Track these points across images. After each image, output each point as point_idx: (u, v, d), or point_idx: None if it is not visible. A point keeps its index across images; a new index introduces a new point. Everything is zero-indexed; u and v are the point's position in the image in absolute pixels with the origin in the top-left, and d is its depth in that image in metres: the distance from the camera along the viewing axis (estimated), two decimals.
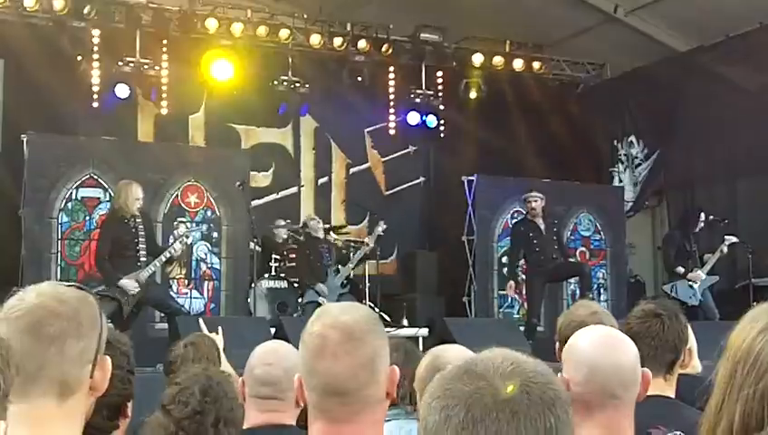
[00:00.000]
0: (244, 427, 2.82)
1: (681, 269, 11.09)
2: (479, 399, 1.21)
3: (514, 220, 11.20)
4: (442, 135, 13.83)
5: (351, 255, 11.13)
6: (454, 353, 2.83)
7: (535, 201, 10.46)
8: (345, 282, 10.76)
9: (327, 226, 11.81)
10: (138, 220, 8.76)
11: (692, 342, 3.30)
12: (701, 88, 12.60)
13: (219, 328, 4.78)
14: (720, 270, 11.84)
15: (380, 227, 10.88)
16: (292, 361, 2.71)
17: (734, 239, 11.23)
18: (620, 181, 13.89)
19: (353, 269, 11.00)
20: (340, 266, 10.85)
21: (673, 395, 3.02)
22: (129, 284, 8.50)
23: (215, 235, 10.98)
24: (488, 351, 1.32)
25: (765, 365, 1.56)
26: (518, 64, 13.72)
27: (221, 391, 2.81)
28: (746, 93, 12.21)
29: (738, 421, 1.54)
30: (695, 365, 3.81)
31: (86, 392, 1.72)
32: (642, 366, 2.94)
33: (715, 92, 12.49)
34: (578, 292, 11.52)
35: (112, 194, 10.01)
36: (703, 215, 11.39)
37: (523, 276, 11.21)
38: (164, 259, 8.94)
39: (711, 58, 12.77)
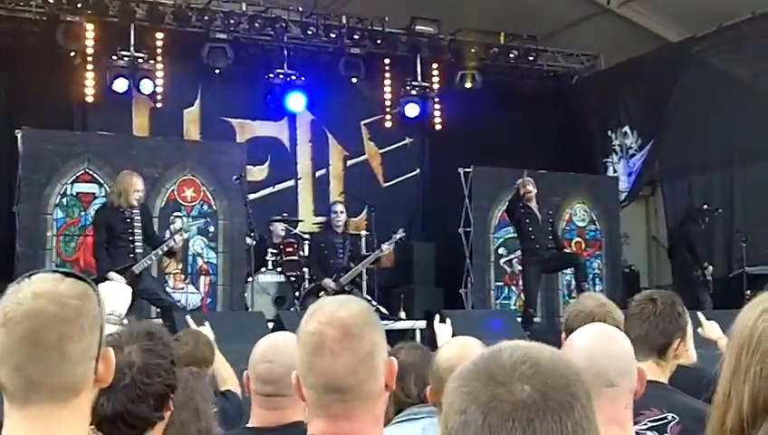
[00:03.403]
0: (249, 424, 2.81)
1: None
2: (497, 406, 1.21)
3: (509, 203, 10.99)
4: (438, 127, 13.84)
5: (361, 244, 11.09)
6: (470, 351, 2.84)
7: (531, 184, 10.44)
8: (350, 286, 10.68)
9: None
10: (134, 211, 8.68)
11: (689, 331, 3.36)
12: (694, 78, 12.65)
13: (206, 323, 4.77)
14: (716, 259, 11.99)
15: (399, 235, 10.78)
16: (295, 355, 2.71)
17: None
18: (615, 171, 13.93)
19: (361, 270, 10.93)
20: (352, 264, 10.79)
21: (666, 382, 3.10)
22: (117, 279, 8.37)
23: (211, 229, 10.92)
24: (507, 345, 1.30)
25: None
26: (513, 56, 13.74)
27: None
28: (739, 82, 12.28)
29: (747, 404, 1.56)
30: (690, 355, 3.88)
31: (91, 387, 1.71)
32: (635, 353, 3.00)
33: (709, 82, 12.55)
34: (573, 282, 11.53)
35: (108, 189, 9.96)
36: None
37: (519, 267, 11.23)
38: (161, 252, 8.88)
39: (704, 48, 12.83)
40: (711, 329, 4.67)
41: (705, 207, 12.09)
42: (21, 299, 1.66)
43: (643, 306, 3.21)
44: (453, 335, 4.70)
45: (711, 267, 11.64)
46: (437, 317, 5.46)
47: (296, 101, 12.69)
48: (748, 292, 10.99)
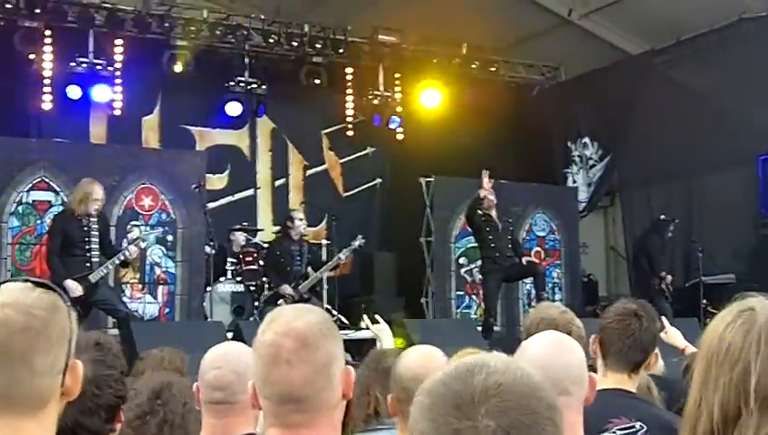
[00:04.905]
0: None
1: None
2: None
3: (468, 208, 10.85)
4: (399, 136, 13.84)
5: (321, 255, 11.06)
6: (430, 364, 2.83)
7: (491, 193, 10.44)
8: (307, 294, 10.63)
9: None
10: (92, 220, 8.57)
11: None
12: (653, 90, 12.78)
13: None
14: (675, 269, 12.14)
15: (357, 242, 10.76)
16: (245, 362, 2.64)
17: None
18: (574, 182, 14.02)
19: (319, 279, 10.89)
20: (310, 269, 10.74)
21: (635, 391, 3.12)
22: (73, 286, 8.28)
23: (169, 238, 10.80)
24: (479, 366, 1.26)
25: (737, 353, 1.62)
26: (475, 67, 13.79)
27: (171, 394, 2.78)
28: (697, 95, 12.41)
29: (717, 412, 1.60)
30: (658, 366, 3.90)
31: (57, 400, 1.67)
32: (608, 361, 3.07)
33: (668, 94, 12.68)
34: (533, 292, 11.58)
35: (64, 198, 9.83)
36: None
37: (480, 276, 11.25)
38: (117, 262, 8.78)
39: (663, 61, 12.99)
40: (675, 336, 4.71)
41: (663, 217, 12.22)
42: None
43: (628, 322, 3.16)
44: (412, 344, 4.68)
45: (670, 277, 11.78)
46: (366, 320, 5.38)
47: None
48: (704, 301, 11.12)
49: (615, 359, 3.10)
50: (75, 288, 8.30)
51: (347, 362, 2.03)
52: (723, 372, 1.61)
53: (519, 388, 1.24)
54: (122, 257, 8.72)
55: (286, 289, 10.41)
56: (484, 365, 1.26)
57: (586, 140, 13.87)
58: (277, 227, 12.37)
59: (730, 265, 11.92)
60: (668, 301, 11.57)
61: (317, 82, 12.96)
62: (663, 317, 4.81)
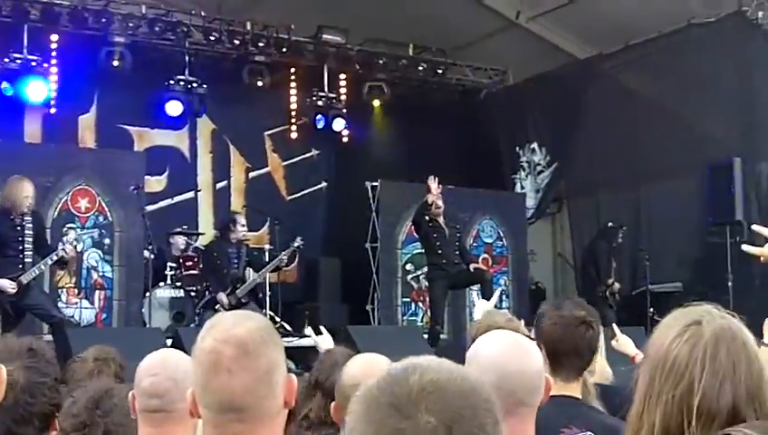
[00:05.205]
0: None
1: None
2: None
3: (415, 213, 10.67)
4: (345, 139, 13.66)
5: (264, 259, 10.83)
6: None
7: (439, 198, 10.28)
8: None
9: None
10: (26, 219, 8.31)
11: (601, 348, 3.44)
12: (601, 94, 12.78)
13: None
14: (621, 276, 12.12)
15: (297, 242, 10.54)
16: (183, 370, 2.59)
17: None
18: (522, 188, 13.97)
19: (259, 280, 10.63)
20: (251, 271, 10.48)
21: (579, 396, 3.11)
22: (6, 284, 8.05)
23: (107, 241, 10.62)
24: (414, 367, 1.26)
25: (682, 370, 1.64)
26: (421, 69, 13.68)
27: (112, 403, 2.71)
28: (644, 100, 12.44)
29: (659, 426, 1.63)
30: (606, 375, 3.91)
31: None
32: (558, 368, 3.04)
33: (615, 99, 12.69)
34: (480, 299, 11.44)
35: None
36: None
37: (426, 283, 11.13)
38: (50, 262, 8.49)
39: (611, 65, 13.00)
40: (626, 344, 4.72)
41: (610, 225, 12.21)
42: None
43: (582, 331, 3.09)
44: (358, 352, 4.56)
45: (617, 284, 11.76)
46: (309, 329, 5.40)
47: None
48: (651, 310, 11.10)
49: (567, 367, 3.06)
50: (8, 286, 8.05)
51: (289, 370, 1.98)
52: (667, 387, 1.64)
53: (455, 383, 1.24)
54: (55, 257, 8.42)
55: (222, 298, 10.13)
56: (417, 365, 1.27)
57: (534, 145, 13.85)
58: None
59: (677, 273, 11.94)
60: (612, 308, 11.54)
61: (259, 81, 12.76)
62: (614, 326, 4.80)
